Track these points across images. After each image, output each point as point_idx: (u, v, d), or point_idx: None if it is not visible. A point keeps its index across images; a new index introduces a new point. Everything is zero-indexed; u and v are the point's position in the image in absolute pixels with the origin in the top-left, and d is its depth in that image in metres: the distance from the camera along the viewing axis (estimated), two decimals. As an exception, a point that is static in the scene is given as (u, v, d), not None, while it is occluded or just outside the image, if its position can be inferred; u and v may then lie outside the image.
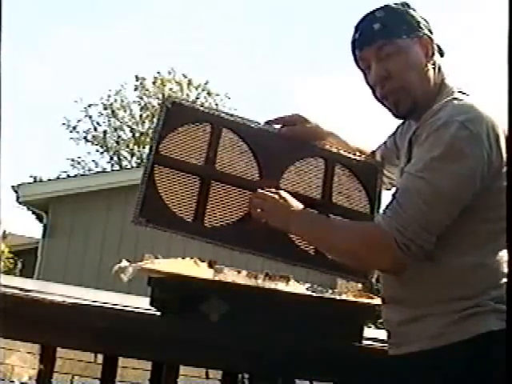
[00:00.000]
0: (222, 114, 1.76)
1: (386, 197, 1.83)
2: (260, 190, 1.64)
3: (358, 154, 1.83)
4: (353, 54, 1.57)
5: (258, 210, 1.62)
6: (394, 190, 1.57)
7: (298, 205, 1.59)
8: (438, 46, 1.56)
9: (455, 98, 1.46)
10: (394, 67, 1.50)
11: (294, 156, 1.77)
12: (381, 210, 1.76)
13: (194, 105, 1.77)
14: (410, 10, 1.54)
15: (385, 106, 1.56)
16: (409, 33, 1.51)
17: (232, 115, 1.78)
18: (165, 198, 1.63)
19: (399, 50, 1.50)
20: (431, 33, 1.54)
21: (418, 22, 1.53)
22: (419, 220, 1.36)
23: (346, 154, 1.81)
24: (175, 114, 1.70)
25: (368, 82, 1.56)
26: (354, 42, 1.56)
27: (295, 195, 1.65)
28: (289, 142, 1.76)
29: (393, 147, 1.77)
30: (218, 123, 1.73)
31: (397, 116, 1.58)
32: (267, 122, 1.78)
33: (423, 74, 1.52)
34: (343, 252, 1.51)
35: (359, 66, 1.58)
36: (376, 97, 1.56)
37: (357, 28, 1.56)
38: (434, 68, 1.53)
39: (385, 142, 1.83)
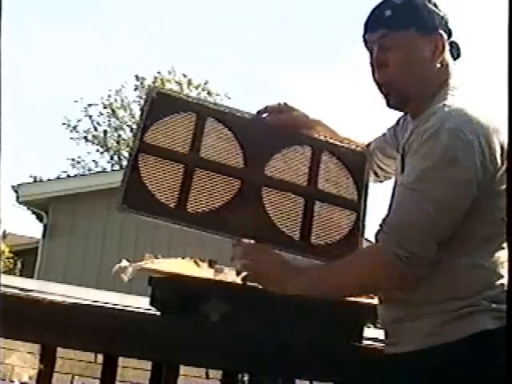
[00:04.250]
0: (208, 104, 1.78)
1: (378, 188, 1.84)
2: (241, 251, 1.57)
3: (345, 141, 1.83)
4: (363, 33, 1.56)
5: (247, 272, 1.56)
6: (390, 184, 1.56)
7: (286, 263, 1.54)
8: (457, 46, 1.55)
9: (445, 105, 1.43)
10: (393, 58, 1.49)
11: (280, 144, 1.77)
12: (368, 203, 1.76)
13: (179, 94, 1.78)
14: (430, 5, 1.51)
15: (381, 91, 1.55)
16: (419, 27, 1.49)
17: (217, 104, 1.80)
18: (148, 185, 1.62)
19: (402, 42, 1.49)
20: (447, 31, 1.52)
21: (433, 19, 1.50)
22: (417, 232, 1.36)
23: (333, 141, 1.82)
24: (160, 104, 1.71)
25: (371, 63, 1.56)
26: (365, 23, 1.55)
27: (281, 182, 1.67)
28: (275, 130, 1.77)
29: (393, 139, 1.76)
30: (204, 112, 1.74)
31: (388, 106, 1.57)
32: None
33: (422, 71, 1.50)
34: (353, 291, 1.52)
35: (366, 47, 1.56)
36: (374, 79, 1.55)
37: (372, 10, 1.54)
38: (439, 67, 1.51)
39: (384, 134, 1.82)
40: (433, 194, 1.36)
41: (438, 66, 1.51)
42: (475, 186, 1.37)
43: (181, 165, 1.67)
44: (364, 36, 1.56)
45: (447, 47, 1.53)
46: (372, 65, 1.55)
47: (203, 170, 1.68)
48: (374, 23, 1.52)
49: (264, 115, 1.79)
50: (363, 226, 1.74)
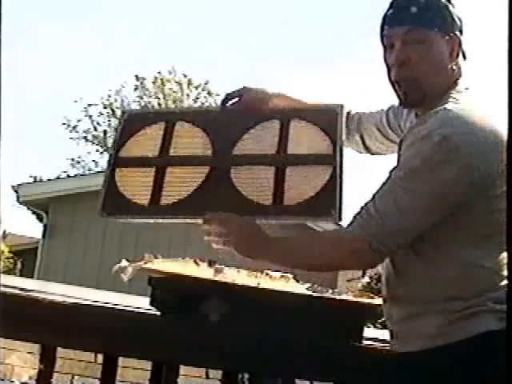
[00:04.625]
0: (176, 110, 1.97)
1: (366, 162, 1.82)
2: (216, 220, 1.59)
3: (311, 105, 1.86)
4: (380, 28, 1.55)
5: (220, 239, 1.57)
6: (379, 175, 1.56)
7: (259, 231, 1.56)
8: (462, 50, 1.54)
9: (446, 108, 1.43)
10: (415, 56, 1.48)
11: (247, 125, 1.82)
12: (344, 158, 1.74)
13: (149, 110, 1.96)
14: (450, 6, 1.51)
15: (395, 90, 1.54)
16: (441, 28, 1.49)
17: (185, 108, 1.93)
18: (125, 193, 1.73)
19: (426, 40, 1.48)
20: (462, 34, 1.52)
21: (453, 20, 1.50)
22: (399, 235, 1.40)
23: (299, 107, 1.86)
24: (133, 122, 1.87)
25: (386, 61, 1.55)
26: (385, 17, 1.54)
27: (249, 157, 1.73)
28: (241, 114, 1.83)
29: (394, 122, 1.75)
30: (172, 118, 1.86)
31: (404, 105, 1.57)
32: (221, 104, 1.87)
33: (438, 71, 1.50)
34: (321, 269, 1.68)
35: (382, 42, 1.55)
36: (390, 78, 1.54)
37: (393, 3, 1.53)
38: (453, 70, 1.51)
39: (386, 114, 1.79)
40: (414, 195, 1.38)
41: (452, 68, 1.51)
42: (465, 187, 1.37)
43: (152, 167, 1.76)
44: (383, 31, 1.54)
45: (461, 49, 1.53)
46: (387, 62, 1.54)
47: (173, 167, 1.76)
48: (398, 18, 1.50)
49: (228, 104, 1.85)
50: (341, 176, 1.70)
